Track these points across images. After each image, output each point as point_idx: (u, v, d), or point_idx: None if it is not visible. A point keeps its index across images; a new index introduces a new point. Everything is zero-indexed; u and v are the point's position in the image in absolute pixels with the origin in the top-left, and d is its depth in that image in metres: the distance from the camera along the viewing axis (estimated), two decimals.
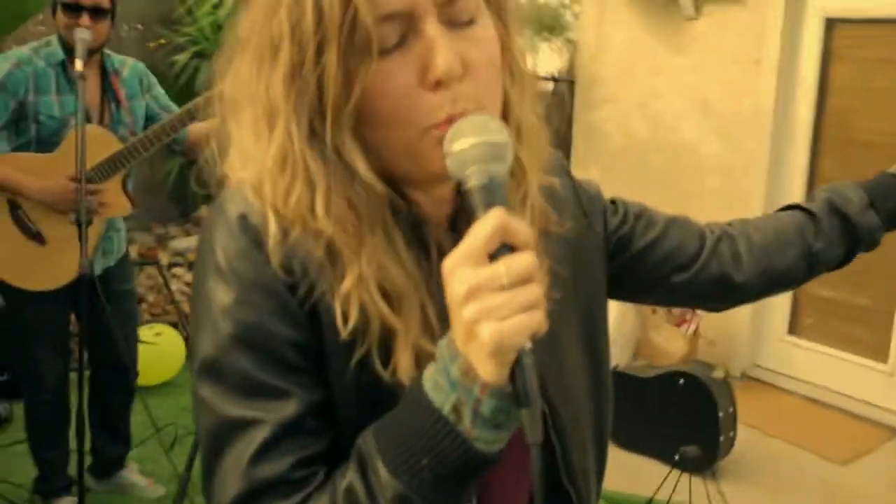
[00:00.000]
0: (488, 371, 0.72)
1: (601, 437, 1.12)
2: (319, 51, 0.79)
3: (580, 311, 1.06)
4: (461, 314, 0.71)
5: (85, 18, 2.77)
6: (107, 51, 3.01)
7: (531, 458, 0.72)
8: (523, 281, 0.71)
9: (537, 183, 0.95)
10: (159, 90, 3.18)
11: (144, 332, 3.93)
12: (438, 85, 0.79)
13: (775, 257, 1.20)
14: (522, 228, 0.73)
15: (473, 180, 0.75)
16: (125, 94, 3.04)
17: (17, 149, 2.86)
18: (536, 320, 0.72)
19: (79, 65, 2.59)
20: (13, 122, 2.82)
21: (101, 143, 2.89)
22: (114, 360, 3.15)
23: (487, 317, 0.70)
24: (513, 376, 0.72)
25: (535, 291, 0.72)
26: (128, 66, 3.09)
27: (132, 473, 3.38)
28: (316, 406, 0.84)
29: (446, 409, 0.76)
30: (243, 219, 0.84)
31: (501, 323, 0.70)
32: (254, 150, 0.86)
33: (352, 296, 0.81)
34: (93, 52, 2.83)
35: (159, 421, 3.46)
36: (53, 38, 2.89)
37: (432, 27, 0.79)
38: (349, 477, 0.80)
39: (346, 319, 0.82)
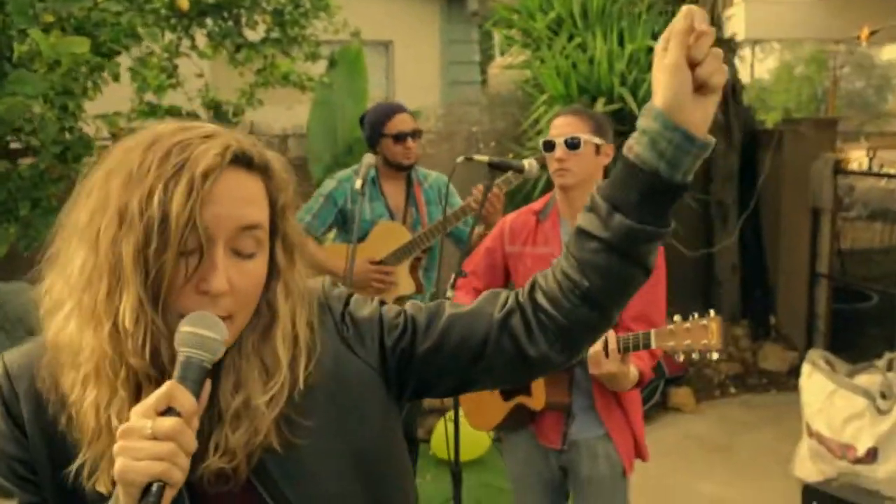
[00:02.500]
0: (120, 492, 0.98)
1: None
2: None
3: (344, 433, 1.20)
4: (114, 446, 0.98)
5: (410, 141, 3.63)
6: (416, 167, 3.83)
7: None
8: (166, 437, 0.95)
9: (304, 340, 1.17)
10: (455, 199, 3.80)
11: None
12: (205, 294, 1.06)
13: (573, 313, 1.18)
14: (187, 401, 0.98)
15: (179, 356, 1.03)
16: (424, 200, 3.81)
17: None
18: (162, 468, 0.94)
19: (357, 183, 3.42)
20: (342, 223, 3.73)
21: (397, 235, 3.67)
22: None
23: (124, 454, 0.95)
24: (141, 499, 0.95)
25: (171, 449, 0.94)
26: (430, 178, 3.87)
27: None
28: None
29: None
30: None
31: (131, 461, 0.94)
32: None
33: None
34: (407, 167, 3.69)
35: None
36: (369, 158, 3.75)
37: (218, 254, 1.06)
38: None
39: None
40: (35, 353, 1.14)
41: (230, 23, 5.76)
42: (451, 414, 4.75)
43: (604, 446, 2.63)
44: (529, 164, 2.76)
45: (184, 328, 1.02)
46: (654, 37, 5.68)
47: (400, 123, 3.66)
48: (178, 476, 0.95)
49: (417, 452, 4.02)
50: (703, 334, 2.22)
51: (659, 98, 1.09)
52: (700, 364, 6.17)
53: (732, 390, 6.22)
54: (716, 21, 6.01)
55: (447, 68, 9.75)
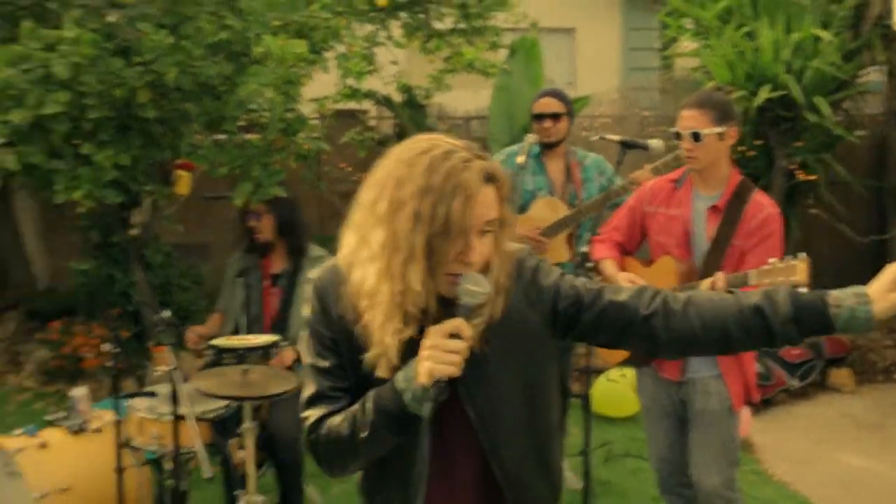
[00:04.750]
0: (422, 377, 1.55)
1: (541, 453, 1.81)
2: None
3: (518, 360, 1.75)
4: (421, 352, 1.57)
5: (548, 122, 4.13)
6: (574, 147, 4.31)
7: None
8: (456, 351, 1.54)
9: (503, 285, 1.69)
10: (610, 171, 4.22)
11: (613, 373, 5.12)
12: (466, 264, 1.60)
13: (695, 340, 1.69)
14: (466, 330, 1.56)
15: (460, 301, 1.59)
16: (581, 178, 4.26)
17: None
18: (453, 370, 1.53)
19: (520, 159, 3.95)
20: None
21: (555, 209, 4.14)
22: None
23: (432, 359, 1.54)
24: (434, 385, 1.55)
25: (459, 359, 1.54)
26: (590, 158, 4.29)
27: (564, 469, 4.42)
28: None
29: (401, 387, 1.60)
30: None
31: (436, 364, 1.53)
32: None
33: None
34: (553, 145, 4.15)
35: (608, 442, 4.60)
36: (530, 136, 4.23)
37: (474, 239, 1.60)
38: (354, 406, 1.68)
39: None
40: (336, 273, 1.73)
41: (422, 16, 6.45)
42: (609, 373, 5.26)
43: (716, 385, 3.06)
44: (656, 143, 3.20)
45: (465, 285, 1.59)
46: (824, 26, 5.83)
47: (540, 106, 4.14)
48: (457, 374, 1.56)
49: (569, 402, 4.49)
50: (792, 272, 2.55)
51: (879, 306, 1.57)
52: (864, 348, 6.25)
53: None
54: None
55: (628, 55, 10.06)
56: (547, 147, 4.18)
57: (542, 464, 1.82)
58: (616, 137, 3.20)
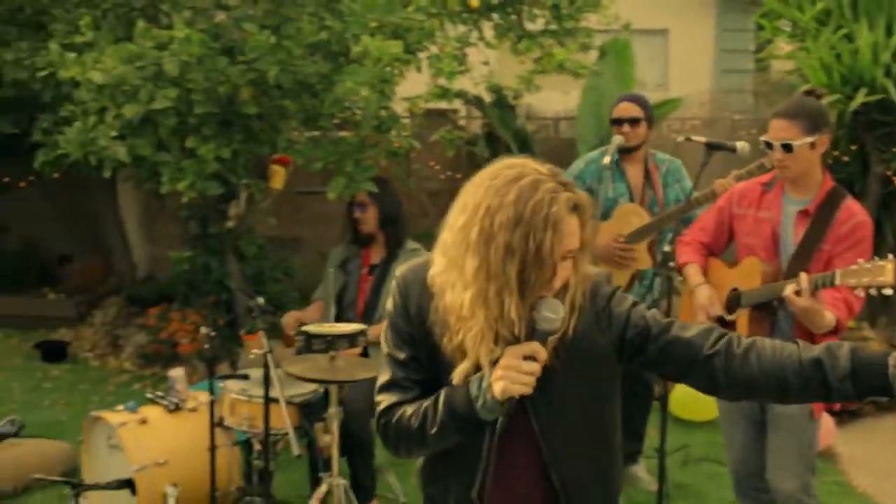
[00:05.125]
0: (496, 394, 1.65)
1: (600, 468, 1.89)
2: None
3: (584, 378, 1.82)
4: (496, 370, 1.66)
5: (626, 126, 4.15)
6: (653, 150, 4.32)
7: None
8: (530, 372, 1.63)
9: (577, 306, 1.76)
10: (687, 183, 4.22)
11: None
12: (549, 290, 1.68)
13: (753, 386, 1.73)
14: (542, 353, 1.65)
15: (538, 326, 1.66)
16: (660, 183, 4.25)
17: None
18: (525, 389, 1.63)
19: (606, 160, 3.98)
20: None
21: (637, 216, 4.14)
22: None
23: (506, 378, 1.64)
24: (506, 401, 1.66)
25: (530, 380, 1.63)
26: (669, 163, 4.29)
27: (640, 470, 4.46)
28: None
29: (473, 394, 1.69)
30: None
31: (510, 383, 1.63)
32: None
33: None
34: (632, 150, 4.17)
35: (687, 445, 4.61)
36: (616, 138, 4.21)
37: (559, 267, 1.67)
38: (427, 401, 1.79)
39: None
40: (421, 274, 1.83)
41: (513, 17, 6.50)
42: None
43: None
44: (742, 146, 3.19)
45: (544, 312, 1.66)
46: None
47: (619, 111, 4.17)
48: (529, 392, 1.66)
49: (651, 399, 4.48)
50: (879, 272, 2.51)
51: None
52: None
53: None
54: None
55: (721, 56, 9.90)
56: (626, 152, 4.19)
57: (600, 479, 1.91)
58: (702, 139, 3.21)
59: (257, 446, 3.97)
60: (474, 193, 1.69)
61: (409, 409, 1.80)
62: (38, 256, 8.33)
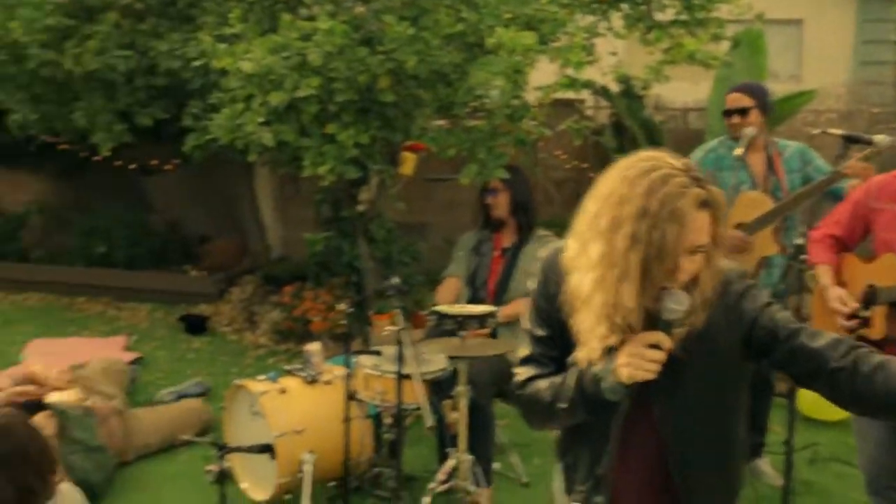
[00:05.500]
0: (621, 378, 1.72)
1: (721, 460, 1.93)
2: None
3: (709, 371, 1.86)
4: (621, 356, 1.72)
5: (735, 117, 4.12)
6: (775, 139, 4.26)
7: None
8: (653, 360, 1.69)
9: (707, 300, 1.79)
10: (818, 163, 4.15)
11: None
12: (672, 282, 1.71)
13: (876, 405, 1.72)
14: (665, 342, 1.70)
15: (661, 317, 1.72)
16: (784, 169, 4.17)
17: None
18: (649, 375, 1.69)
19: (738, 151, 3.96)
20: None
21: (759, 203, 4.07)
22: None
23: (631, 365, 1.70)
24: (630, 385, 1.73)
25: (654, 367, 1.69)
26: (790, 148, 4.23)
27: (765, 464, 4.40)
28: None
29: (599, 375, 1.75)
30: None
31: (634, 370, 1.70)
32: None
33: None
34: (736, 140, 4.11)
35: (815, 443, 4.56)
36: (749, 129, 4.17)
37: (684, 261, 1.71)
38: (559, 377, 1.88)
39: None
40: (560, 256, 1.89)
41: (643, 7, 6.46)
42: None
43: None
44: (881, 139, 3.12)
45: (668, 303, 1.71)
46: None
47: (728, 102, 4.16)
48: (653, 378, 1.72)
49: (771, 393, 4.42)
50: None
51: None
52: None
53: None
54: None
55: (859, 47, 9.52)
56: (736, 140, 4.15)
57: (719, 469, 1.95)
58: (838, 132, 3.17)
59: (387, 420, 4.16)
60: (609, 182, 1.75)
61: (543, 384, 1.91)
62: (180, 235, 8.84)
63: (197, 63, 4.59)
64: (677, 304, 1.71)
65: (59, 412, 4.08)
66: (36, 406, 4.16)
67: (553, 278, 1.91)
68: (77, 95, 5.64)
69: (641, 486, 1.94)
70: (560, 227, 4.33)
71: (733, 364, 1.89)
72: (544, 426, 2.05)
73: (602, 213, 1.73)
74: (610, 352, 1.77)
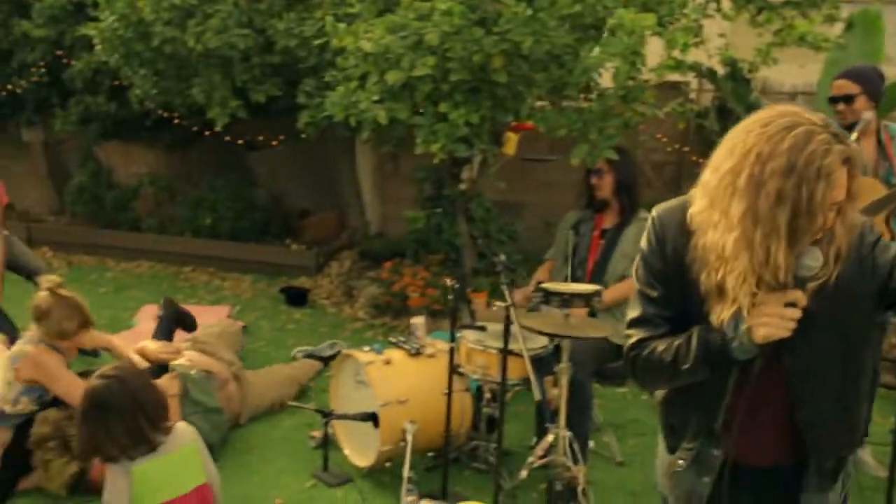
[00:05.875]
0: (756, 337, 1.75)
1: (847, 410, 1.95)
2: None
3: (841, 323, 1.88)
4: (757, 315, 1.74)
5: (840, 105, 4.04)
6: (886, 122, 4.16)
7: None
8: (791, 318, 1.71)
9: (842, 253, 1.79)
10: None
11: None
12: (817, 240, 1.74)
13: None
14: (802, 300, 1.71)
15: (797, 274, 1.72)
16: None
17: None
18: (786, 333, 1.72)
19: (853, 136, 3.89)
20: None
21: (871, 189, 3.91)
22: None
23: (767, 324, 1.73)
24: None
25: (791, 325, 1.72)
26: None
27: (866, 455, 4.33)
28: None
29: (730, 335, 1.79)
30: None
31: (773, 329, 1.72)
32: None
33: None
34: (851, 127, 4.01)
35: None
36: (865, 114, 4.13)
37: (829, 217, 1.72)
38: (679, 338, 1.90)
39: None
40: (678, 215, 1.91)
41: None
42: None
43: None
44: None
45: (805, 260, 1.72)
46: None
47: (833, 89, 4.13)
48: (788, 333, 1.75)
49: (875, 387, 4.33)
50: None
51: None
52: None
53: None
54: None
55: None
56: (849, 128, 4.05)
57: (845, 421, 1.98)
58: None
59: (487, 394, 4.25)
60: (744, 139, 1.73)
61: (660, 345, 1.93)
62: (282, 210, 9.09)
63: (317, 42, 4.72)
64: (813, 261, 1.72)
65: (182, 375, 4.31)
66: (162, 369, 4.39)
67: (671, 237, 1.93)
68: (195, 72, 5.86)
69: (769, 439, 1.98)
70: None
71: (865, 315, 1.91)
72: (660, 387, 2.07)
73: (740, 170, 1.71)
74: (735, 312, 1.78)
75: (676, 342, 1.90)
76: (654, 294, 1.97)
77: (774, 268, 1.70)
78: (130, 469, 2.77)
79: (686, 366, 1.86)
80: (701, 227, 1.82)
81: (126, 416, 2.76)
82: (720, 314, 1.81)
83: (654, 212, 2.00)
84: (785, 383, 1.91)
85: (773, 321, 1.72)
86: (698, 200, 1.83)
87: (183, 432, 2.96)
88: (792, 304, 1.73)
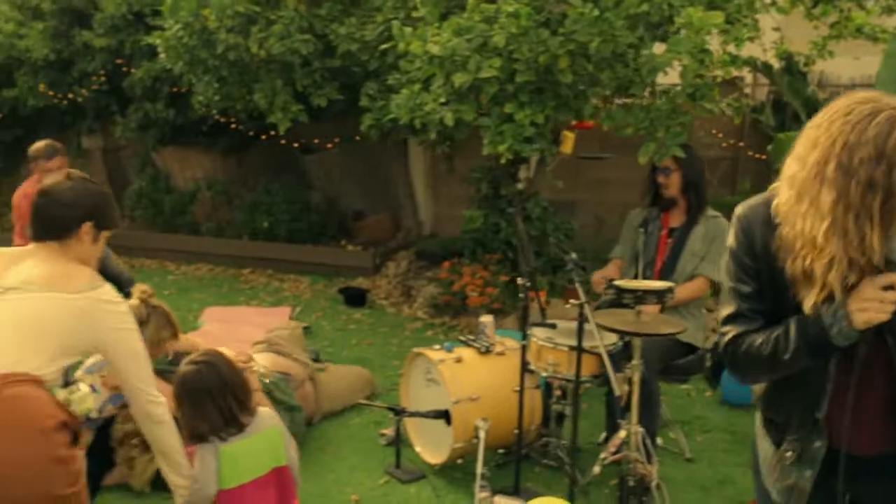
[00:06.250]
0: (857, 323, 1.77)
1: None
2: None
3: None
4: (856, 301, 1.77)
5: None
6: None
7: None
8: (891, 301, 1.74)
9: None
10: None
11: None
12: None
13: None
14: None
15: (891, 258, 1.75)
16: None
17: None
18: (885, 318, 1.75)
19: None
20: None
21: None
22: None
23: (868, 309, 1.75)
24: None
25: (891, 308, 1.75)
26: None
27: None
28: None
29: (828, 322, 1.81)
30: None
31: (873, 313, 1.75)
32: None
33: None
34: None
35: None
36: None
37: None
38: (776, 330, 1.93)
39: None
40: (763, 211, 1.96)
41: None
42: None
43: None
44: None
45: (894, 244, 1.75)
46: None
47: None
48: (887, 319, 1.78)
49: None
50: None
51: None
52: None
53: None
54: None
55: None
56: None
57: None
58: None
59: (556, 392, 4.29)
60: (827, 129, 1.75)
61: (758, 338, 1.96)
62: (337, 211, 9.22)
63: (385, 46, 4.80)
64: None
65: (260, 377, 4.41)
66: None
67: (758, 232, 1.96)
68: (257, 77, 5.98)
69: (873, 427, 1.99)
70: (716, 206, 4.33)
71: None
72: (761, 379, 2.10)
73: (826, 160, 1.73)
74: (829, 299, 1.81)
75: (774, 334, 1.93)
76: (747, 289, 2.00)
77: (870, 251, 1.73)
78: (220, 448, 2.90)
79: (787, 356, 1.89)
80: (787, 218, 1.85)
81: (217, 396, 2.90)
82: (810, 300, 1.84)
83: (739, 210, 2.04)
84: (890, 366, 1.92)
85: (873, 305, 1.75)
86: (784, 192, 1.86)
87: (266, 416, 3.08)
88: (889, 287, 1.75)
